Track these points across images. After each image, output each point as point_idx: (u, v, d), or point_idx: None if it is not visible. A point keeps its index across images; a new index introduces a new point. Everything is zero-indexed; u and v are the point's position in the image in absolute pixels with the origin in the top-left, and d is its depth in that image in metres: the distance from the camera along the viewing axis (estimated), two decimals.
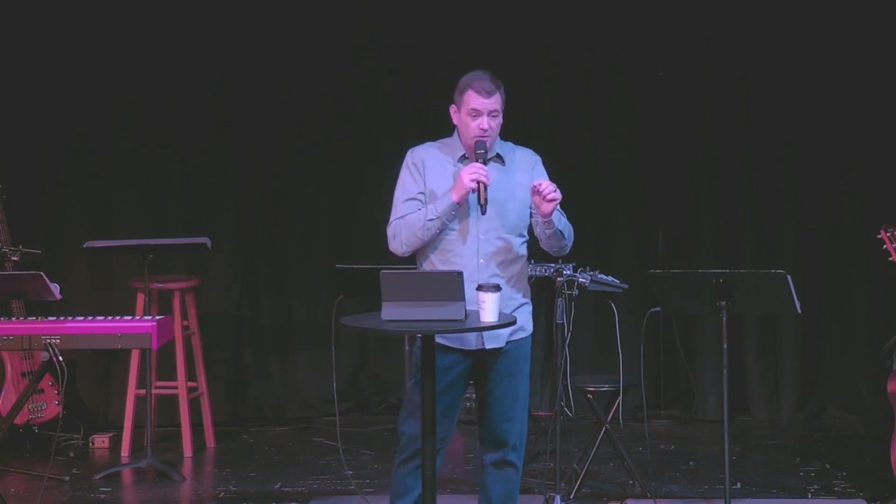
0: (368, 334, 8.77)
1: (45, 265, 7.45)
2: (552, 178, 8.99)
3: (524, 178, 5.59)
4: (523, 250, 5.61)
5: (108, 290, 8.87)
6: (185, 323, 8.23)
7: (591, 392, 7.27)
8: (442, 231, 5.49)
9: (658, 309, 6.47)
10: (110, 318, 6.12)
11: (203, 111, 8.91)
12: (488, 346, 5.52)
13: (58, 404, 8.18)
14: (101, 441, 8.37)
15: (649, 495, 6.99)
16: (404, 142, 8.96)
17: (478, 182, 5.39)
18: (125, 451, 8.18)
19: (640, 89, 8.89)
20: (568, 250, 5.66)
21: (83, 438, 8.39)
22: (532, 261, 6.78)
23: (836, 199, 8.83)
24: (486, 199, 5.39)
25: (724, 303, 6.14)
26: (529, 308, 5.64)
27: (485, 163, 5.47)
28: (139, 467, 7.77)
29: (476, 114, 5.50)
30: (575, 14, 8.88)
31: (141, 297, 8.05)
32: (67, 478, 7.64)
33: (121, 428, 8.24)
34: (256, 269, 9.07)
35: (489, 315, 5.30)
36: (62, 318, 6.07)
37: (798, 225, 8.86)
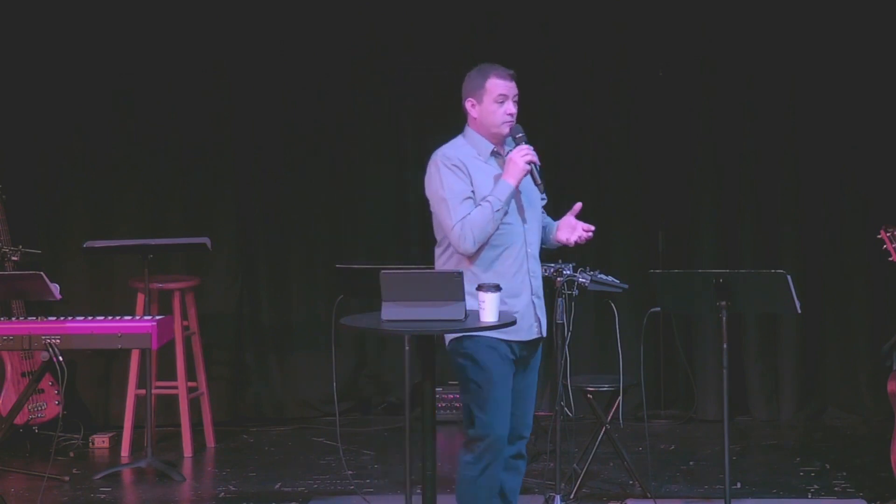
0: (368, 334, 8.77)
1: (45, 265, 7.45)
2: (552, 178, 9.04)
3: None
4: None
5: (108, 290, 8.87)
6: (185, 323, 8.23)
7: (591, 392, 7.27)
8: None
9: (658, 309, 6.47)
10: (110, 318, 6.12)
11: (203, 111, 8.91)
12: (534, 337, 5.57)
13: (58, 404, 8.18)
14: (101, 441, 8.37)
15: (649, 495, 6.99)
16: (403, 142, 9.08)
17: (531, 163, 5.41)
18: (125, 451, 8.18)
19: (640, 89, 8.89)
20: None
21: (83, 438, 8.39)
22: None
23: (836, 199, 8.83)
24: (541, 181, 5.45)
25: (724, 303, 6.14)
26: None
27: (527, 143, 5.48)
28: (139, 467, 7.77)
29: (503, 98, 5.51)
30: (575, 15, 8.88)
31: (141, 297, 8.05)
32: (67, 478, 7.64)
33: (121, 428, 8.24)
34: (256, 269, 9.08)
35: (489, 315, 5.30)
36: (62, 318, 6.07)
37: (798, 225, 8.86)
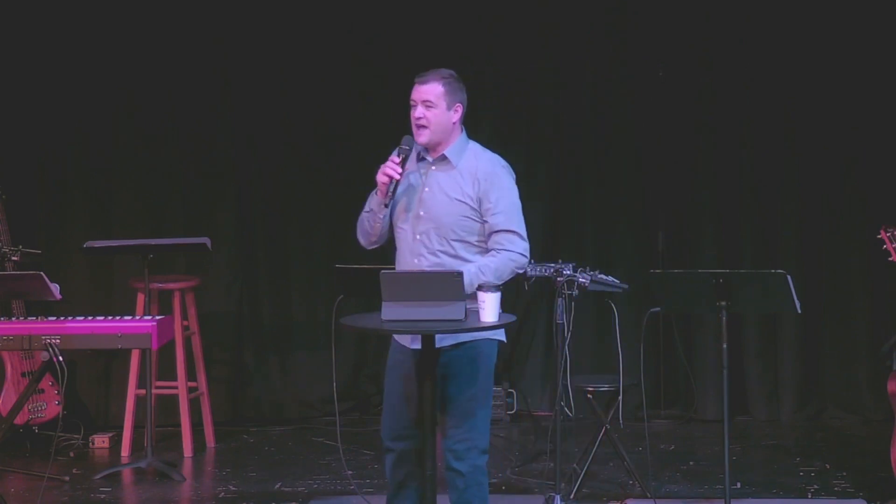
0: (368, 334, 8.76)
1: (45, 265, 7.45)
2: (553, 178, 9.04)
3: (466, 186, 5.47)
4: (472, 257, 5.48)
5: (108, 290, 8.87)
6: (185, 323, 8.23)
7: (591, 392, 7.26)
8: (388, 226, 5.61)
9: (658, 309, 6.46)
10: (110, 318, 6.11)
11: (203, 111, 8.91)
12: (413, 346, 5.51)
13: (58, 404, 8.18)
14: (101, 441, 8.37)
15: (649, 495, 6.99)
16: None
17: (390, 177, 5.43)
18: (125, 451, 8.18)
19: (640, 89, 8.88)
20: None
21: (83, 438, 8.39)
22: (532, 261, 6.77)
23: (836, 199, 8.83)
24: (391, 194, 5.47)
25: (724, 303, 6.14)
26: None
27: (405, 159, 5.48)
28: (139, 467, 7.77)
29: (413, 103, 5.49)
30: (575, 15, 8.88)
31: (141, 297, 8.05)
32: (67, 478, 7.64)
33: (121, 428, 8.24)
34: (256, 269, 9.07)
35: (489, 315, 5.29)
36: (62, 318, 6.06)
37: (798, 225, 8.86)
